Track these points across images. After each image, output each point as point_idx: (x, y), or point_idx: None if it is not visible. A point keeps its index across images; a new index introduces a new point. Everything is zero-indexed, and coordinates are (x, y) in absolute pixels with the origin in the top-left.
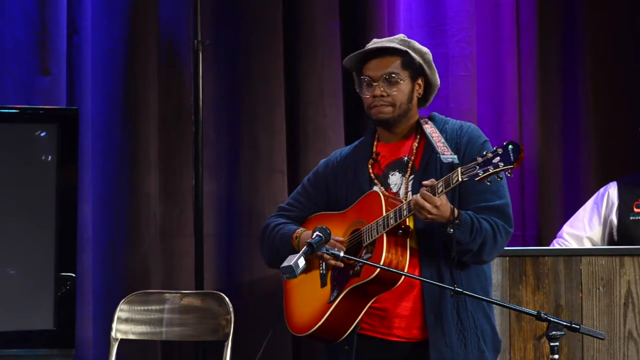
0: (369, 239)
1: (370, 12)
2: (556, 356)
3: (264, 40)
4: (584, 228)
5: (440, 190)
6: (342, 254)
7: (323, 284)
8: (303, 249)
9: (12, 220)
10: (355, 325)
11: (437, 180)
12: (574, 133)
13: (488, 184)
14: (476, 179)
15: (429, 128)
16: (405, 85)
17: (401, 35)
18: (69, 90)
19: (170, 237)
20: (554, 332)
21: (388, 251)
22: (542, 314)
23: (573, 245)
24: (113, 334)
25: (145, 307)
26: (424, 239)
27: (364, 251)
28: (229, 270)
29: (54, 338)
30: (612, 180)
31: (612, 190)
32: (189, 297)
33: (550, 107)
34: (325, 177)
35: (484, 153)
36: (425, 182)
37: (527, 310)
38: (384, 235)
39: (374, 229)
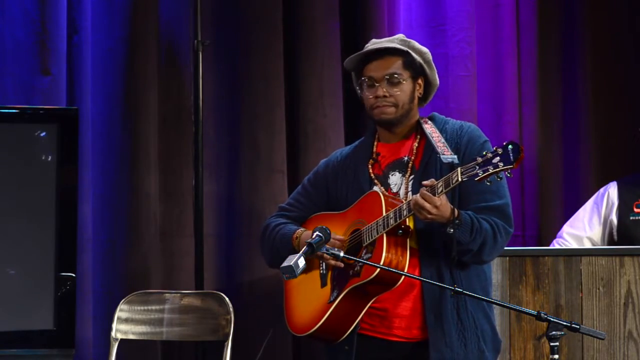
0: (369, 239)
1: (370, 12)
2: (556, 356)
3: (264, 40)
4: (584, 228)
5: (440, 190)
6: (342, 254)
7: (323, 284)
8: (303, 249)
9: (12, 220)
10: (356, 325)
11: (437, 180)
12: (574, 133)
13: (488, 184)
14: (476, 179)
15: (429, 128)
16: (407, 85)
17: (400, 35)
18: (69, 90)
19: (170, 237)
20: (554, 332)
21: (388, 251)
22: (542, 314)
23: (573, 245)
24: (113, 334)
25: (145, 307)
26: (424, 239)
27: (364, 251)
28: (229, 270)
29: (54, 338)
30: (612, 180)
31: (612, 190)
32: (189, 297)
33: (550, 107)
34: (325, 177)
35: (484, 153)
36: (425, 182)
37: (527, 310)
38: (384, 235)
39: (374, 229)
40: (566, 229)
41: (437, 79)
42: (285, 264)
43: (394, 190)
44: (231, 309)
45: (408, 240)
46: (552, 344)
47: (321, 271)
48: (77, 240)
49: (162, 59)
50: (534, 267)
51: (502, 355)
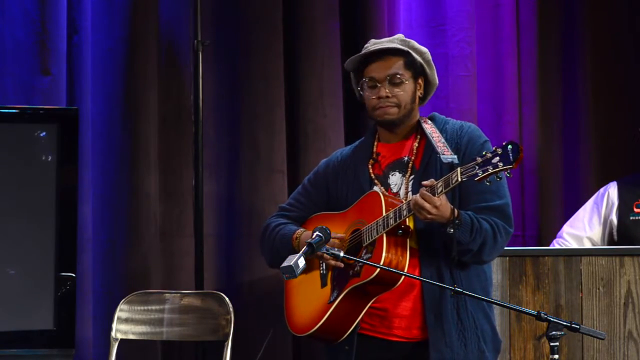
0: (368, 239)
1: (370, 12)
2: (556, 356)
3: (264, 40)
4: (584, 228)
5: (439, 190)
6: (342, 254)
7: (323, 284)
8: (303, 249)
9: (12, 220)
10: (356, 325)
11: (437, 180)
12: (574, 133)
13: (487, 184)
14: (475, 179)
15: (429, 128)
16: (409, 85)
17: (400, 36)
18: (69, 90)
19: (170, 237)
20: (554, 332)
21: (388, 251)
22: (542, 314)
23: (573, 245)
24: (113, 334)
25: (145, 307)
26: (424, 239)
27: (364, 251)
28: (229, 270)
29: (54, 338)
30: (612, 180)
31: (612, 190)
32: (189, 297)
33: (550, 107)
34: (325, 177)
35: (483, 153)
36: (424, 182)
37: (527, 310)
38: (384, 235)
39: (373, 229)
40: (566, 229)
41: (437, 79)
42: (285, 264)
43: (394, 190)
44: (231, 309)
45: (408, 240)
46: (552, 344)
47: (321, 271)
48: (77, 240)
49: (162, 59)
50: (534, 267)
51: (502, 355)
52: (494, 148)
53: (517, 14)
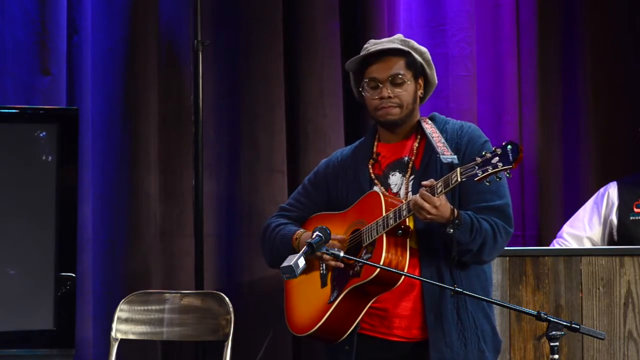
0: (368, 239)
1: (370, 12)
2: (556, 356)
3: (264, 40)
4: (584, 228)
5: (439, 190)
6: (342, 254)
7: (323, 284)
8: (303, 249)
9: (12, 220)
10: (356, 325)
11: (437, 180)
12: (574, 133)
13: (487, 184)
14: (475, 179)
15: (429, 128)
16: (410, 85)
17: (399, 36)
18: (69, 90)
19: (170, 237)
20: (554, 332)
21: (388, 251)
22: (542, 314)
23: (573, 245)
24: (113, 334)
25: (145, 307)
26: (424, 239)
27: (364, 251)
28: (229, 270)
29: (54, 338)
30: (612, 180)
31: (612, 190)
32: (189, 297)
33: (550, 107)
34: (325, 177)
35: (483, 153)
36: (424, 183)
37: (527, 310)
38: (384, 235)
39: (373, 229)
40: (566, 229)
41: (436, 78)
42: (285, 264)
43: (394, 190)
44: (231, 309)
45: (408, 240)
46: (552, 344)
47: (321, 271)
48: (77, 240)
49: (162, 59)
50: (534, 267)
51: (502, 355)
52: (493, 148)
53: (517, 14)
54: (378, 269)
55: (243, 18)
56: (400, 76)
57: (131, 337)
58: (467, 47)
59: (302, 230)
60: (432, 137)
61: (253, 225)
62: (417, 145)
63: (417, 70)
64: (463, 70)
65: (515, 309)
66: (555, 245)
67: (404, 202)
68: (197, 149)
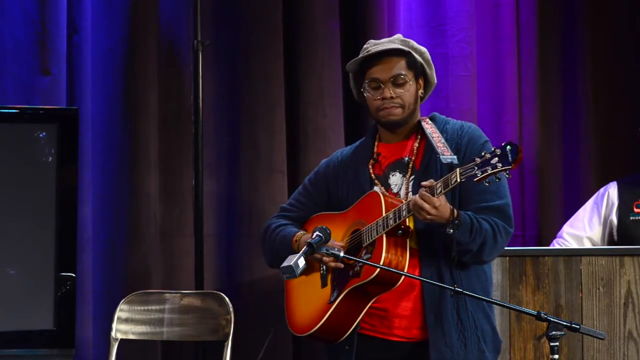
0: (368, 240)
1: (370, 12)
2: (556, 356)
3: (264, 40)
4: (584, 228)
5: (439, 191)
6: (342, 254)
7: (323, 285)
8: (303, 249)
9: (12, 220)
10: (356, 326)
11: (437, 180)
12: (574, 133)
13: (487, 184)
14: (474, 180)
15: (430, 128)
16: (411, 85)
17: (399, 36)
18: (69, 90)
19: (170, 237)
20: (554, 332)
21: (387, 251)
22: (542, 314)
23: (573, 245)
24: (113, 334)
25: (145, 307)
26: (424, 239)
27: (364, 251)
28: (229, 270)
29: (54, 338)
30: (612, 180)
31: (612, 190)
32: (189, 297)
33: (550, 107)
34: (326, 177)
35: (482, 154)
36: (424, 183)
37: (527, 310)
38: (384, 235)
39: (373, 229)
40: (566, 229)
41: (435, 78)
42: (285, 264)
43: (395, 190)
44: (231, 309)
45: (408, 240)
46: (552, 344)
47: (321, 271)
48: (77, 240)
49: (162, 59)
50: (534, 267)
51: (502, 355)
52: (493, 149)
53: (517, 14)
54: (378, 269)
55: (243, 18)
56: (402, 76)
57: (131, 337)
58: (467, 47)
59: (302, 232)
60: (432, 138)
61: (253, 225)
62: (417, 145)
63: (417, 70)
64: (463, 70)
65: (515, 309)
66: (555, 245)
67: (403, 202)
68: (197, 149)
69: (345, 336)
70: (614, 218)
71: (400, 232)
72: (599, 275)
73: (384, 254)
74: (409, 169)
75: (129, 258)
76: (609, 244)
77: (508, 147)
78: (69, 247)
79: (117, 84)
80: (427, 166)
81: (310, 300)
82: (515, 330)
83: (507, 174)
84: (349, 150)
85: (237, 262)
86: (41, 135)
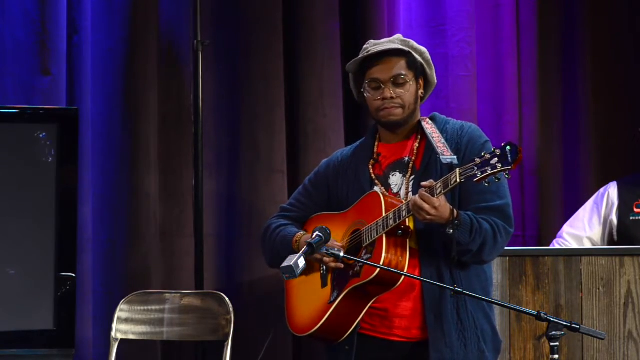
0: (368, 240)
1: (370, 12)
2: (556, 356)
3: (264, 40)
4: (584, 228)
5: (438, 191)
6: (342, 254)
7: (323, 285)
8: (303, 249)
9: (12, 220)
10: (356, 326)
11: (437, 181)
12: (574, 133)
13: (486, 184)
14: (474, 180)
15: (430, 128)
16: (412, 85)
17: (399, 36)
18: (69, 90)
19: (170, 237)
20: (554, 332)
21: (387, 252)
22: (542, 314)
23: (573, 245)
24: (113, 334)
25: (145, 307)
26: (424, 239)
27: (364, 252)
28: (229, 270)
29: (54, 338)
30: (612, 180)
31: (612, 190)
32: (189, 297)
33: (550, 107)
34: (326, 177)
35: (482, 154)
36: (423, 183)
37: (527, 310)
38: (384, 235)
39: (373, 229)
40: (566, 229)
41: (435, 78)
42: (285, 264)
43: (395, 190)
44: (231, 309)
45: (408, 240)
46: (552, 344)
47: (322, 271)
48: (77, 240)
49: (162, 59)
50: (534, 267)
51: (502, 355)
52: (492, 149)
53: (517, 14)
54: (378, 269)
55: (243, 18)
56: (402, 76)
57: (131, 337)
58: (467, 47)
59: (302, 232)
60: (432, 138)
61: (253, 225)
62: (417, 145)
63: (417, 70)
64: (463, 70)
65: (515, 309)
66: (555, 245)
67: (403, 202)
68: (197, 149)
69: (345, 336)
70: (614, 218)
71: (400, 232)
72: (599, 275)
73: (384, 254)
74: (409, 169)
75: (129, 258)
76: (609, 244)
77: (508, 147)
78: (69, 247)
79: (117, 84)
80: (427, 166)
81: (310, 301)
82: (515, 330)
83: (506, 174)
84: (349, 151)
85: (237, 262)
86: (41, 135)
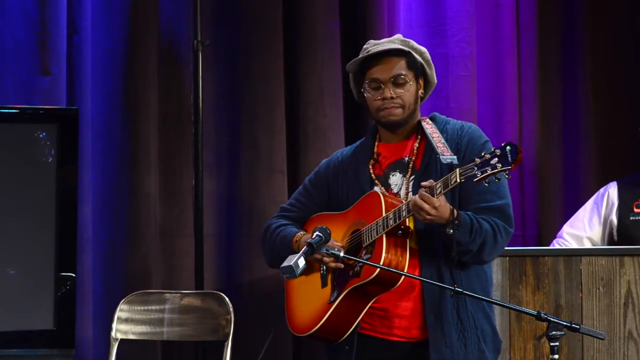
0: (368, 240)
1: (370, 12)
2: (556, 356)
3: (264, 40)
4: (584, 228)
5: (438, 191)
6: (342, 254)
7: (324, 285)
8: (303, 249)
9: (12, 220)
10: (356, 326)
11: (437, 181)
12: (574, 133)
13: (486, 184)
14: (474, 180)
15: (430, 128)
16: (412, 85)
17: (399, 36)
18: (69, 90)
19: (170, 237)
20: (554, 332)
21: (387, 252)
22: (542, 314)
23: (573, 245)
24: (113, 334)
25: (145, 307)
26: (424, 239)
27: (364, 252)
28: (229, 270)
29: (54, 338)
30: (612, 180)
31: (612, 190)
32: (189, 297)
33: (550, 107)
34: (326, 177)
35: (482, 154)
36: (423, 183)
37: (527, 310)
38: (384, 235)
39: (373, 229)
40: (566, 229)
41: (435, 78)
42: (285, 264)
43: (395, 190)
44: (231, 309)
45: (408, 240)
46: (552, 344)
47: (322, 271)
48: (77, 240)
49: (162, 59)
50: (534, 267)
51: (502, 355)
52: (492, 149)
53: (517, 14)
54: (378, 269)
55: (243, 18)
56: (402, 76)
57: (131, 337)
58: (467, 47)
59: (302, 232)
60: (432, 138)
61: (253, 225)
62: (417, 145)
63: (417, 70)
64: (463, 70)
65: (515, 309)
66: (555, 245)
67: (403, 202)
68: (197, 149)
69: (345, 336)
70: (614, 218)
71: (400, 232)
72: (599, 275)
73: (384, 254)
74: (409, 169)
75: (129, 258)
76: (609, 244)
77: (508, 147)
78: (69, 247)
79: (117, 84)
80: (427, 166)
81: (310, 301)
82: (515, 330)
83: (506, 174)
84: (349, 150)
85: (237, 262)
86: (41, 136)
